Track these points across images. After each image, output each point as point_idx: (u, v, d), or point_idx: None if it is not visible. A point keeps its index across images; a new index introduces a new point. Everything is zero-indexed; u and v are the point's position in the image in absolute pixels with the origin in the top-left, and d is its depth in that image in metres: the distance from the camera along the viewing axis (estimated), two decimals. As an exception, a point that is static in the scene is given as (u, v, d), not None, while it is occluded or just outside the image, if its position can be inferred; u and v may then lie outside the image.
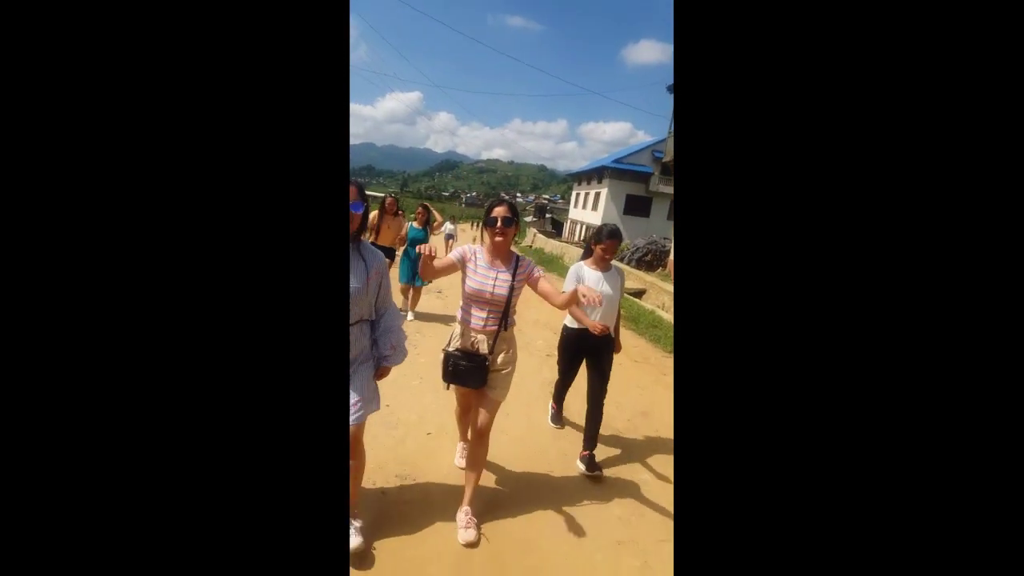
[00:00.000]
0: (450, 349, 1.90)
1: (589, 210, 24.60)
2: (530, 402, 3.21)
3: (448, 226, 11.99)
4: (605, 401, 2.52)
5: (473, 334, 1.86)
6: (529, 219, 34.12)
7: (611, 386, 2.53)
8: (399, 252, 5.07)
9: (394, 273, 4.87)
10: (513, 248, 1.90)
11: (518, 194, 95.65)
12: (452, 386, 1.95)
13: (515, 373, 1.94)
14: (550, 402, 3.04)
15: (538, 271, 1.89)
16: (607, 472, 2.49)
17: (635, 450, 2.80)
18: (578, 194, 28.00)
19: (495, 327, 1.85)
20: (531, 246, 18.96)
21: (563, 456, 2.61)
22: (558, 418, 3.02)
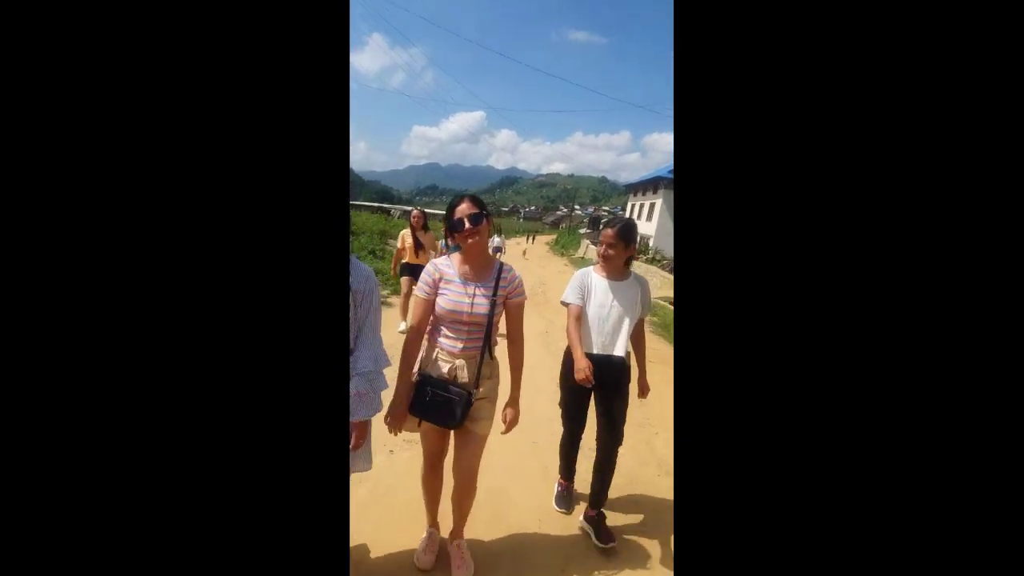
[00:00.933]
0: (425, 374, 1.57)
1: (644, 220, 23.83)
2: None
3: (496, 239, 11.73)
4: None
5: (451, 359, 1.55)
6: (583, 231, 33.77)
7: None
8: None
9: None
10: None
11: (576, 206, 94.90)
12: (421, 426, 1.59)
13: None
14: (557, 479, 2.22)
15: (520, 292, 1.59)
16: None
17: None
18: (634, 205, 27.31)
19: (476, 351, 1.54)
20: (583, 256, 18.66)
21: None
22: (566, 500, 2.17)
